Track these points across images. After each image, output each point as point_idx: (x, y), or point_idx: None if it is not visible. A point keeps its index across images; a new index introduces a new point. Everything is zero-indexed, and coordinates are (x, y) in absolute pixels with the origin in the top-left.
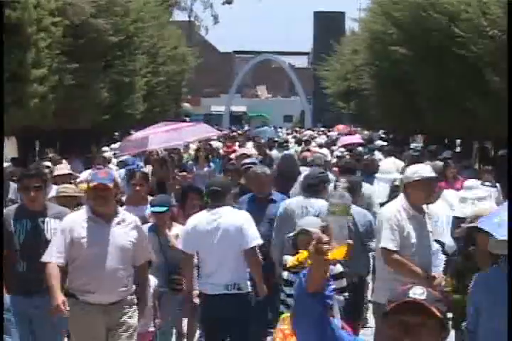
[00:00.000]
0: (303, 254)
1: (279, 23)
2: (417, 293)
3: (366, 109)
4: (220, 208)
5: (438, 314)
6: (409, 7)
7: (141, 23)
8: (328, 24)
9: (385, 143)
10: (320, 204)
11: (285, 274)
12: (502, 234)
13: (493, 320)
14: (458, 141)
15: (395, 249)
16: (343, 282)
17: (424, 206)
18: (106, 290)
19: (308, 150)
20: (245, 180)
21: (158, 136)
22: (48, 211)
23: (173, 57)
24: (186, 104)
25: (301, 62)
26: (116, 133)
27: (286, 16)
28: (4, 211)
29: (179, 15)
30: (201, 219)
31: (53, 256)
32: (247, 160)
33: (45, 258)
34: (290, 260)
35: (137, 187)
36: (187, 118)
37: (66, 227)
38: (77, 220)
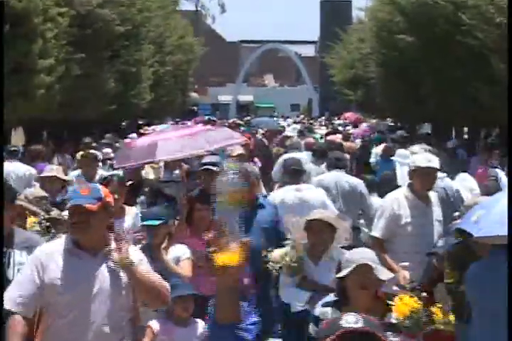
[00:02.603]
0: (406, 299)
1: (286, 12)
2: (351, 321)
3: (373, 97)
4: (300, 185)
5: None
6: None
7: (147, 12)
8: (334, 13)
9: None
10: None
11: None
12: (477, 232)
13: (485, 311)
14: (465, 129)
15: (381, 237)
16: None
17: (431, 195)
18: None
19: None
20: (204, 181)
21: (169, 143)
22: (14, 239)
23: (179, 46)
24: (193, 94)
25: (308, 50)
26: (124, 123)
27: (293, 5)
28: None
29: (185, 5)
30: (287, 194)
31: (14, 303)
32: (207, 160)
33: (5, 304)
34: (399, 310)
35: (115, 196)
36: (194, 108)
37: (37, 263)
38: (52, 254)
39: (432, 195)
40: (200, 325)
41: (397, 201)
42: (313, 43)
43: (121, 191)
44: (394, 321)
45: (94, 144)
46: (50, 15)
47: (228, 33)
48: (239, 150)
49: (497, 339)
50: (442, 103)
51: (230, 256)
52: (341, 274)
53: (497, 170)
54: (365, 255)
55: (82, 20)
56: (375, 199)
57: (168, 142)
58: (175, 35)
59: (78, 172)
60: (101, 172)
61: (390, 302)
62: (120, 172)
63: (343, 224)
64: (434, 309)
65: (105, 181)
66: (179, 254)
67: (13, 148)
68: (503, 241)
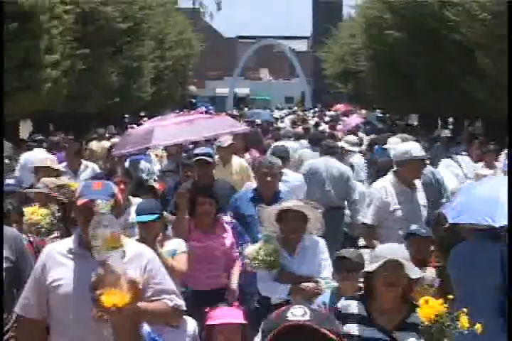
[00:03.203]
0: (433, 302)
1: (280, 9)
2: (298, 313)
3: (363, 89)
4: (328, 157)
5: (331, 336)
6: None
7: (148, 10)
8: (326, 10)
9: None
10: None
11: (354, 327)
12: (452, 218)
13: (468, 291)
14: (450, 120)
15: (371, 223)
16: None
17: (416, 181)
18: None
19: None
20: (198, 172)
21: (167, 129)
22: None
23: (179, 42)
24: (192, 87)
25: (301, 46)
26: (127, 116)
27: (287, 3)
28: None
29: (184, 2)
30: (317, 164)
31: (22, 307)
32: (199, 151)
33: (16, 310)
34: (424, 314)
35: (121, 186)
36: (193, 100)
37: (41, 264)
38: (55, 254)
39: (417, 181)
40: (192, 325)
41: (385, 189)
42: (306, 39)
43: (126, 182)
44: (417, 323)
45: (107, 135)
46: (55, 13)
47: (226, 29)
48: (229, 140)
49: (477, 317)
50: (429, 95)
51: (117, 296)
52: (369, 269)
53: (460, 157)
54: (396, 251)
55: (86, 18)
56: (358, 184)
57: (165, 128)
58: (174, 32)
59: (64, 164)
60: (85, 163)
61: (415, 302)
62: (126, 164)
63: (314, 212)
64: (459, 315)
65: (111, 171)
66: (175, 248)
67: (38, 138)
68: (479, 226)
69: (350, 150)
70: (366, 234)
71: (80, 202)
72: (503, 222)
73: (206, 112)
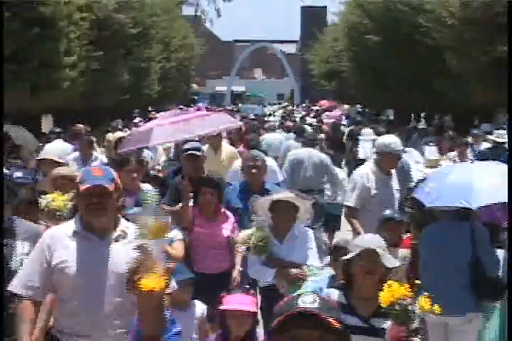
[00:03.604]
0: (395, 286)
1: (272, 16)
2: (307, 301)
3: (345, 87)
4: (310, 148)
5: (336, 326)
6: (381, 1)
7: (155, 17)
8: (313, 17)
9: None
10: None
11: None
12: (429, 202)
13: (441, 266)
14: (422, 114)
15: (354, 206)
16: (415, 322)
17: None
18: (100, 332)
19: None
20: (188, 165)
21: (164, 129)
22: (16, 229)
23: (183, 45)
24: (194, 85)
25: (291, 48)
26: (136, 110)
27: (278, 10)
28: None
29: (187, 10)
30: (301, 153)
31: (23, 287)
32: (188, 145)
33: (12, 289)
34: (384, 297)
35: (134, 174)
36: (195, 97)
37: (44, 246)
38: (59, 237)
39: (392, 170)
40: (199, 307)
41: (366, 175)
42: (295, 42)
43: (139, 170)
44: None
45: (120, 127)
46: (73, 19)
47: (224, 33)
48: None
49: (441, 291)
50: (403, 92)
51: (155, 280)
52: (347, 257)
53: (427, 147)
54: (373, 241)
55: (100, 24)
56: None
57: (163, 128)
58: (179, 36)
59: (76, 154)
60: (96, 155)
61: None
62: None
63: (304, 203)
64: (422, 299)
65: (124, 161)
66: (172, 236)
67: (57, 130)
68: (451, 208)
69: None
70: (349, 216)
71: (82, 187)
72: (479, 204)
73: (206, 108)
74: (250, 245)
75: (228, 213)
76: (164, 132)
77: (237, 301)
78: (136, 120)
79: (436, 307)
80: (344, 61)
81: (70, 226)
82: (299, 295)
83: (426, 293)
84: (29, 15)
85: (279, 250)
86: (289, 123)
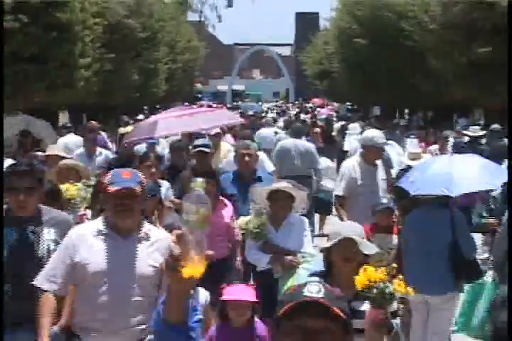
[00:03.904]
0: (369, 270)
1: (269, 21)
2: (313, 290)
3: (336, 86)
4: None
5: (341, 315)
6: (368, 8)
7: (162, 22)
8: (306, 22)
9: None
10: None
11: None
12: (413, 190)
13: (424, 247)
14: (406, 111)
15: (342, 195)
16: (396, 304)
17: (377, 161)
18: (117, 329)
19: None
20: (197, 161)
21: (168, 122)
22: (42, 217)
23: (187, 48)
24: (198, 84)
25: (286, 51)
26: (145, 107)
27: (274, 16)
28: None
29: (192, 16)
30: (288, 143)
31: (46, 281)
32: (198, 142)
33: (37, 283)
34: (359, 281)
35: (152, 169)
36: (199, 95)
37: (69, 244)
38: (84, 235)
39: (378, 161)
40: (203, 294)
41: (353, 167)
42: (289, 45)
43: (157, 165)
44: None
45: (131, 122)
46: (87, 24)
47: (225, 37)
48: (216, 129)
49: (423, 272)
50: (389, 90)
51: (194, 268)
52: (326, 245)
53: (409, 140)
54: (351, 229)
55: (112, 28)
56: (322, 159)
57: (167, 121)
58: (184, 40)
59: (81, 149)
60: (99, 150)
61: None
62: (158, 149)
63: (300, 193)
64: (396, 281)
65: (144, 156)
66: (172, 221)
67: (68, 125)
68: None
69: None
70: (337, 204)
71: (111, 189)
72: (458, 192)
73: (209, 106)
74: (248, 231)
75: (226, 201)
76: (168, 125)
77: (237, 292)
78: (140, 116)
79: (410, 289)
80: (335, 62)
81: (96, 225)
82: (305, 284)
83: (400, 276)
84: (48, 20)
85: (274, 237)
86: (286, 118)
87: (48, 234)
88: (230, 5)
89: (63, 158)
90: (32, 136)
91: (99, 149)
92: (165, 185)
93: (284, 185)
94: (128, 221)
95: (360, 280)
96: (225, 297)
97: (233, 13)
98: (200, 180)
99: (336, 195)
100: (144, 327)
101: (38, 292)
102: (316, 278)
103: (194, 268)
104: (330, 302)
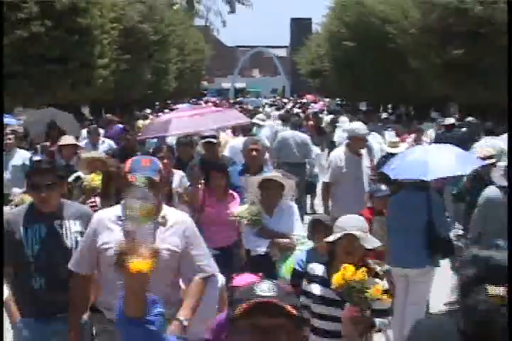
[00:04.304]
0: (350, 269)
1: (267, 26)
2: (265, 289)
3: (326, 83)
4: (295, 130)
5: (294, 312)
6: (355, 14)
7: (172, 27)
8: (300, 26)
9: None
10: None
11: (316, 288)
12: (393, 175)
13: (404, 226)
14: (389, 106)
15: (328, 181)
16: (389, 302)
17: (362, 150)
18: None
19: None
20: (206, 151)
21: (181, 121)
22: (65, 211)
23: (195, 50)
24: (204, 82)
25: (282, 52)
26: (157, 103)
27: (272, 21)
28: (7, 215)
29: (199, 22)
30: (287, 134)
31: (76, 265)
32: (207, 133)
33: (69, 266)
34: (335, 279)
35: (165, 160)
36: (205, 92)
37: (91, 229)
38: (105, 220)
39: (362, 150)
40: (220, 279)
41: (339, 156)
42: (285, 47)
43: (170, 156)
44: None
45: (150, 115)
46: (105, 29)
47: (228, 40)
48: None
49: (403, 248)
50: (374, 87)
51: (142, 262)
52: (330, 239)
53: (387, 132)
54: (354, 223)
55: (127, 32)
56: (315, 148)
57: (181, 120)
58: (191, 42)
59: (86, 140)
60: (102, 139)
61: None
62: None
63: (289, 182)
64: (374, 287)
65: (157, 148)
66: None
67: (90, 118)
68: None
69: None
70: (323, 190)
71: (131, 177)
72: (432, 177)
73: (215, 103)
74: (246, 218)
75: (235, 194)
76: (181, 124)
77: (246, 280)
78: (148, 111)
79: (384, 296)
80: (326, 62)
81: (116, 210)
82: (255, 283)
83: (381, 283)
84: (70, 25)
85: (269, 223)
86: (282, 112)
87: (74, 227)
88: (232, 11)
89: (76, 146)
90: (58, 127)
91: (102, 139)
92: (179, 173)
93: (274, 174)
94: None
95: (337, 278)
96: (234, 284)
97: (235, 18)
98: (142, 176)
99: (322, 182)
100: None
101: (70, 281)
102: (319, 265)
103: (142, 262)
104: (282, 300)
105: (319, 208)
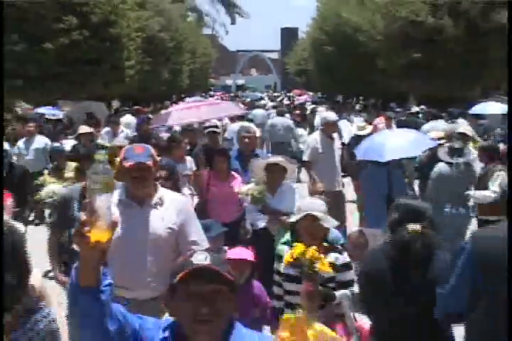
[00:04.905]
0: (299, 248)
1: (262, 34)
2: (200, 258)
3: (310, 80)
4: (282, 117)
5: (230, 278)
6: (333, 24)
7: (185, 35)
8: (288, 34)
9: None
10: None
11: (282, 267)
12: (359, 156)
13: (371, 198)
14: (361, 98)
15: (307, 160)
16: (350, 274)
17: (334, 134)
18: (139, 285)
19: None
20: (209, 140)
21: (179, 113)
22: None
23: (203, 53)
24: (211, 80)
25: (274, 55)
26: (173, 96)
27: (266, 30)
28: (63, 191)
29: (207, 30)
30: (276, 120)
31: None
32: (208, 124)
33: None
34: (286, 255)
35: (182, 144)
36: (211, 88)
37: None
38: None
39: (334, 134)
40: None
41: (315, 139)
42: (277, 51)
43: (183, 143)
44: (330, 260)
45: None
46: (131, 37)
47: (230, 45)
48: None
49: (370, 212)
50: (348, 83)
51: (101, 233)
52: (292, 219)
53: (355, 117)
54: (314, 205)
55: (149, 40)
56: (300, 130)
57: (178, 112)
58: (201, 48)
59: (107, 129)
60: (122, 128)
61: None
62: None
63: (291, 166)
64: (320, 262)
65: (172, 137)
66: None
67: (126, 108)
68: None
69: None
70: (306, 167)
71: (126, 164)
72: (387, 158)
73: (221, 97)
74: (250, 196)
75: (236, 174)
76: (179, 115)
77: (239, 253)
78: (159, 105)
79: (330, 269)
80: (309, 63)
81: (116, 194)
82: (192, 254)
83: (323, 257)
84: (103, 34)
85: (271, 201)
86: (274, 103)
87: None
88: (233, 23)
89: (92, 134)
90: (95, 117)
91: (121, 128)
92: (189, 159)
93: (279, 159)
94: (143, 190)
95: (287, 257)
96: (228, 256)
97: (236, 28)
98: (102, 152)
99: (303, 161)
100: (164, 283)
101: None
102: (284, 246)
103: (100, 233)
104: (218, 267)
105: (304, 177)
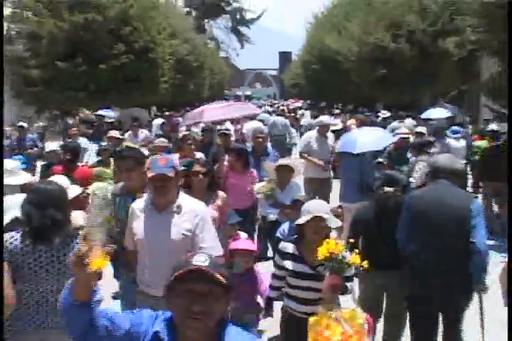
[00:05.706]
0: (331, 244)
1: (264, 56)
2: (200, 260)
3: (302, 91)
4: (280, 117)
5: (223, 280)
6: (318, 49)
7: (205, 58)
8: (285, 56)
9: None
10: None
11: (289, 263)
12: (338, 149)
13: (347, 186)
14: (340, 104)
15: (302, 152)
16: (351, 270)
17: (328, 133)
18: (157, 283)
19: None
20: (222, 141)
21: (214, 111)
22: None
23: (220, 71)
24: (226, 91)
25: (274, 72)
26: (197, 104)
27: (268, 53)
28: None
29: (222, 53)
30: (275, 119)
31: (125, 242)
32: (223, 127)
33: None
34: (321, 252)
35: (192, 146)
36: (226, 97)
37: (129, 215)
38: (135, 209)
39: (328, 133)
40: (243, 235)
41: (310, 137)
42: (276, 70)
43: (196, 143)
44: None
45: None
46: (165, 59)
47: (240, 65)
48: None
49: (347, 195)
50: (331, 93)
51: (100, 261)
52: (300, 221)
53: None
54: (320, 207)
55: (178, 61)
56: (293, 130)
57: (211, 110)
58: (217, 67)
59: (130, 132)
60: (142, 130)
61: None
62: (197, 130)
63: (298, 166)
64: (353, 255)
65: (186, 137)
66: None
67: (157, 113)
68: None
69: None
70: (301, 157)
71: (150, 175)
72: (358, 151)
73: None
74: (262, 193)
75: (254, 171)
76: (212, 113)
77: (242, 244)
78: (181, 111)
79: (365, 262)
80: (301, 79)
81: (143, 201)
82: (193, 255)
83: (356, 250)
84: (144, 57)
85: (280, 196)
86: (274, 108)
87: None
88: (242, 47)
89: (118, 138)
90: (140, 120)
91: (141, 130)
92: (199, 154)
93: (287, 161)
94: (164, 198)
95: (322, 251)
96: (232, 247)
97: (244, 51)
98: (103, 185)
99: (299, 152)
100: None
101: (125, 254)
102: (290, 244)
103: (99, 261)
104: (213, 269)
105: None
